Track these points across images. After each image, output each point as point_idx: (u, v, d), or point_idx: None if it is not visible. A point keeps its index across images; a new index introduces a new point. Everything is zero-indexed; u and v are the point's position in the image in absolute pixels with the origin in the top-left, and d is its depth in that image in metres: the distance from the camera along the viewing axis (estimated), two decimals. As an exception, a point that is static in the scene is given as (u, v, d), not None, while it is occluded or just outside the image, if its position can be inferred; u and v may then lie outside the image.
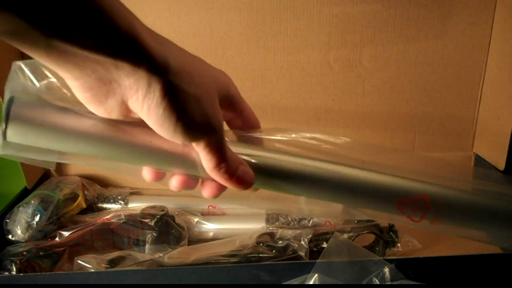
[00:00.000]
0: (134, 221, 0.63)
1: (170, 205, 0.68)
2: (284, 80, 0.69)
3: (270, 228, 0.64)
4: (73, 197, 0.67)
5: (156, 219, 0.62)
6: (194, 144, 0.29)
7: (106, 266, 0.53)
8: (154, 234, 0.61)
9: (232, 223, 0.69)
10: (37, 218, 0.60)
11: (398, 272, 0.46)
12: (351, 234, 0.60)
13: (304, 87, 0.69)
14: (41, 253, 0.56)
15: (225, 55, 0.67)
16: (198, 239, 0.67)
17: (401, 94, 0.70)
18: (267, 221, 0.67)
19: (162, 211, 0.64)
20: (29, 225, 0.60)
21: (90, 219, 0.65)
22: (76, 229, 0.61)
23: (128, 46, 0.25)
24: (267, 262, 0.53)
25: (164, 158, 0.31)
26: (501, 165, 0.64)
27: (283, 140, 0.36)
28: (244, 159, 0.33)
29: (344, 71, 0.68)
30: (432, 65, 0.68)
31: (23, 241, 0.59)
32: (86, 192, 0.70)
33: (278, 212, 0.68)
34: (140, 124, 0.28)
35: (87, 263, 0.53)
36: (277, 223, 0.67)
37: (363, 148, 0.40)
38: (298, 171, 0.34)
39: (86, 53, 0.24)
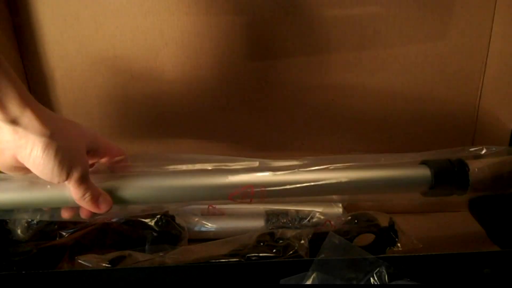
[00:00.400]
0: (135, 221, 0.63)
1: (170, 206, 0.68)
2: (284, 80, 0.69)
3: (270, 228, 0.64)
4: (74, 197, 0.67)
5: (156, 219, 0.63)
6: (66, 182, 0.42)
7: (107, 265, 0.53)
8: (154, 234, 0.61)
9: (232, 222, 0.69)
10: (37, 218, 0.60)
11: (396, 270, 0.46)
12: (351, 234, 0.60)
13: (303, 87, 0.69)
14: (42, 253, 0.57)
15: (225, 56, 0.67)
16: (198, 239, 0.67)
17: (401, 94, 0.70)
18: (267, 220, 0.67)
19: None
20: (29, 225, 0.60)
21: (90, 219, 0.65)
22: (76, 229, 0.61)
23: (25, 119, 0.38)
24: (266, 261, 0.53)
25: (50, 201, 0.46)
26: (501, 165, 0.64)
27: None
28: (104, 189, 0.46)
29: (344, 71, 0.68)
30: (432, 65, 0.68)
31: (24, 241, 0.59)
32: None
33: (277, 212, 0.69)
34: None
35: (88, 263, 0.53)
36: (277, 223, 0.67)
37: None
38: (140, 188, 0.47)
39: None
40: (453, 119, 0.71)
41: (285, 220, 0.67)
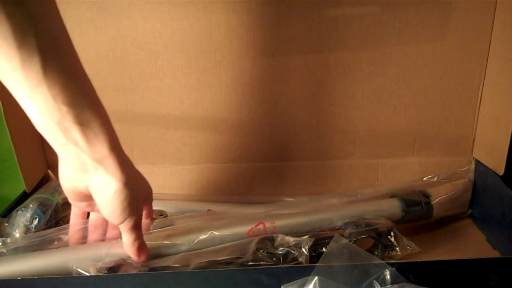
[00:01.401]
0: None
1: (169, 209, 0.68)
2: (283, 84, 0.69)
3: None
4: (72, 201, 0.67)
5: (154, 223, 0.62)
6: (121, 226, 0.47)
7: (105, 272, 0.53)
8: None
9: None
10: (35, 222, 0.60)
11: (399, 275, 0.46)
12: (350, 238, 0.60)
13: (303, 91, 0.69)
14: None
15: (224, 59, 0.67)
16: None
17: (400, 98, 0.70)
18: (267, 225, 0.67)
19: (161, 215, 0.64)
20: (27, 229, 0.60)
21: (89, 223, 0.65)
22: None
23: (109, 161, 0.42)
24: (266, 266, 0.52)
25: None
26: (501, 170, 0.64)
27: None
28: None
29: (343, 75, 0.68)
30: (432, 69, 0.68)
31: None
32: (85, 195, 0.70)
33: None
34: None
35: (86, 272, 0.53)
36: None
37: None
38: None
39: (84, 156, 0.42)
40: (453, 122, 0.71)
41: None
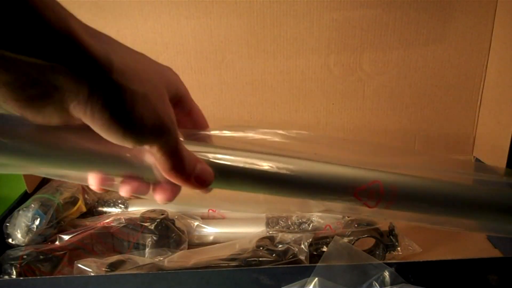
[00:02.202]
0: (134, 224, 0.63)
1: (170, 209, 0.68)
2: (284, 84, 0.69)
3: (270, 232, 0.64)
4: (73, 201, 0.67)
5: (156, 223, 0.62)
6: (146, 147, 0.27)
7: (106, 270, 0.53)
8: (154, 238, 0.61)
9: (232, 227, 0.69)
10: (37, 222, 0.60)
11: (398, 276, 0.46)
12: (351, 238, 0.60)
13: (304, 91, 0.69)
14: (41, 256, 0.56)
15: (225, 59, 0.67)
16: (198, 243, 0.66)
17: (401, 98, 0.70)
18: (267, 225, 0.67)
19: (162, 214, 0.64)
20: (29, 229, 0.60)
21: (90, 223, 0.65)
22: (76, 233, 0.61)
23: (63, 45, 0.22)
24: (267, 266, 0.53)
25: (111, 163, 0.29)
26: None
27: (235, 137, 0.35)
28: (201, 158, 0.31)
29: (344, 75, 0.68)
30: (432, 69, 0.68)
31: (23, 244, 0.59)
32: (86, 195, 0.70)
33: (277, 216, 0.68)
34: (84, 128, 0.26)
35: (87, 267, 0.53)
36: (277, 227, 0.67)
37: (320, 140, 0.41)
38: (254, 169, 0.32)
39: (15, 55, 0.21)
40: (453, 122, 0.71)
41: (285, 224, 0.67)
